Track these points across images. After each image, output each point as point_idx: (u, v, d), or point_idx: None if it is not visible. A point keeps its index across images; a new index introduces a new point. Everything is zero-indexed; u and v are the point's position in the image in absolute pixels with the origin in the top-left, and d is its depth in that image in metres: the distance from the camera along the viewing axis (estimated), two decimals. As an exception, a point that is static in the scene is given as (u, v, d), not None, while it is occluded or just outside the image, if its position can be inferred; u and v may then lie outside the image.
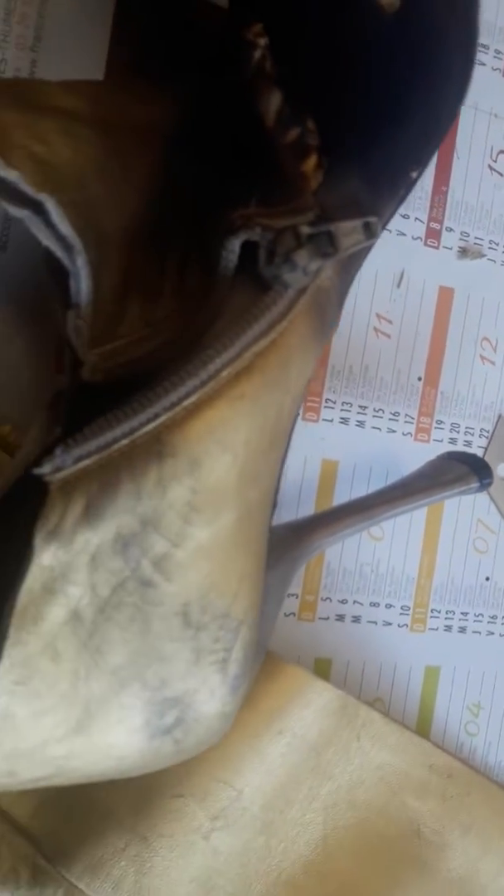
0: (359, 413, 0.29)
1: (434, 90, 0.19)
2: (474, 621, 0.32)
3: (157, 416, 0.17)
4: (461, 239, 0.30)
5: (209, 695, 0.19)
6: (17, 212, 0.17)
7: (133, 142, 0.19)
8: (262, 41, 0.19)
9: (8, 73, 0.24)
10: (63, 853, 0.23)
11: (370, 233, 0.19)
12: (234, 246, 0.18)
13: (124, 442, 0.17)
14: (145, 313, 0.20)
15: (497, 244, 0.31)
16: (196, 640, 0.19)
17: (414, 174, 0.21)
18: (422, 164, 0.21)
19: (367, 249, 0.20)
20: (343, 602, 0.29)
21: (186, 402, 0.17)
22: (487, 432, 0.31)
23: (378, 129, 0.19)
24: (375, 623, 0.30)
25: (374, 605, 0.30)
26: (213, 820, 0.24)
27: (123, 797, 0.23)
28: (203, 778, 0.24)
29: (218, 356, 0.18)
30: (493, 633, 0.32)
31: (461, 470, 0.27)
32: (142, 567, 0.18)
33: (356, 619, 0.30)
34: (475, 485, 0.26)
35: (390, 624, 0.30)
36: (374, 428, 0.30)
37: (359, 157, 0.19)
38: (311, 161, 0.19)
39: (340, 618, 0.29)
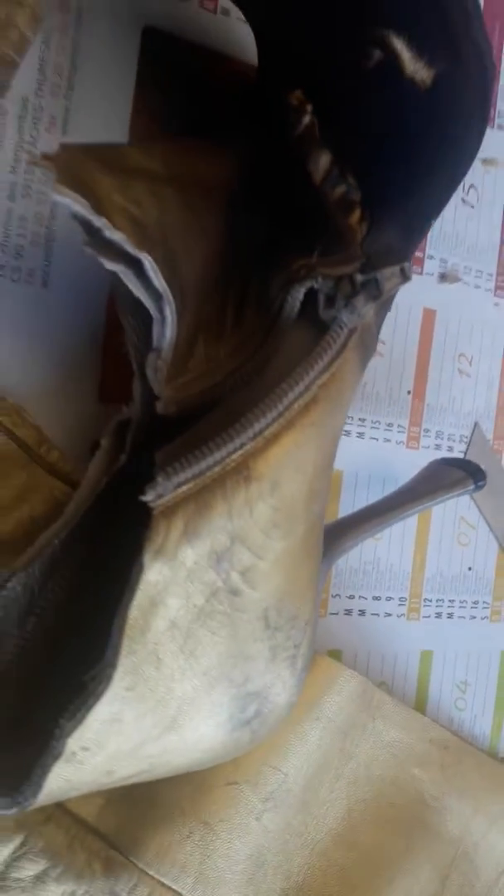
0: (359, 425, 0.32)
1: (456, 150, 0.22)
2: (459, 607, 0.35)
3: (242, 445, 0.20)
4: (440, 265, 0.34)
5: (282, 687, 0.22)
6: (112, 266, 0.19)
7: (201, 198, 0.21)
8: (309, 107, 0.22)
9: (44, 119, 0.26)
10: (132, 844, 0.25)
11: (405, 276, 0.22)
12: (299, 293, 0.21)
13: (216, 469, 0.19)
14: (209, 350, 0.22)
15: (470, 269, 0.35)
16: (273, 639, 0.21)
17: (433, 221, 0.24)
18: (440, 212, 0.24)
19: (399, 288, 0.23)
20: (350, 598, 0.32)
21: (266, 432, 0.20)
22: (466, 437, 0.35)
23: (411, 185, 0.22)
24: (378, 615, 0.33)
25: (377, 598, 0.33)
26: (264, 802, 0.26)
27: (183, 790, 0.26)
28: (254, 765, 0.26)
29: (291, 390, 0.20)
30: (475, 618, 0.36)
31: (458, 474, 0.30)
32: (231, 578, 0.20)
33: (361, 613, 0.33)
34: (472, 486, 0.30)
35: (390, 615, 0.34)
36: (371, 438, 0.33)
37: (396, 211, 0.22)
38: (356, 215, 0.22)
39: (349, 612, 0.32)
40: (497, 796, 0.35)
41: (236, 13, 0.29)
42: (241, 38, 0.29)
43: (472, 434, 0.35)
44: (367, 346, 0.22)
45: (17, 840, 0.24)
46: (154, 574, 0.19)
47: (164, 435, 0.24)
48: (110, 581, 0.24)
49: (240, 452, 0.20)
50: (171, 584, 0.19)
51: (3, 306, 0.25)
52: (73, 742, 0.19)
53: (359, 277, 0.21)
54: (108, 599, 0.24)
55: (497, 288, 0.35)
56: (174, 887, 0.25)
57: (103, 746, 0.19)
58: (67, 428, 0.27)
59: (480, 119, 0.22)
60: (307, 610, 0.22)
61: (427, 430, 0.34)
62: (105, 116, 0.27)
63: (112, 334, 0.27)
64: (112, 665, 0.19)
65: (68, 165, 0.18)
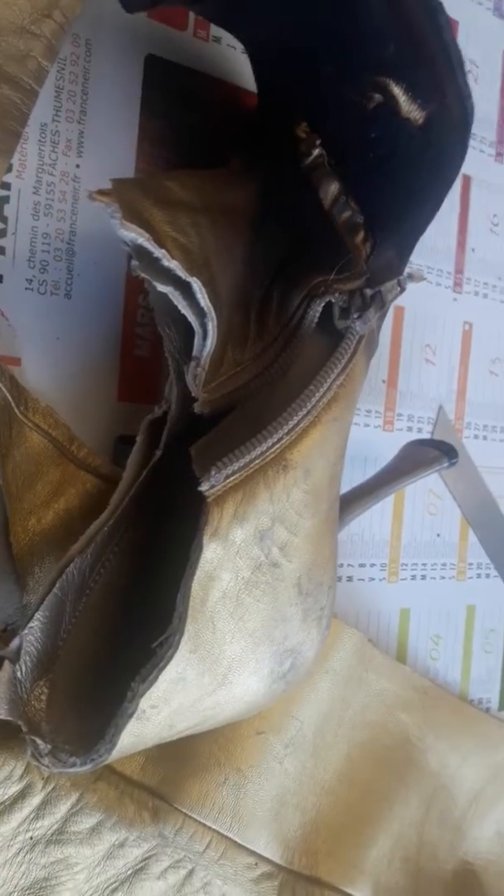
0: (342, 412, 0.36)
1: (443, 178, 0.26)
2: (431, 569, 0.40)
3: (280, 439, 0.23)
4: (408, 266, 0.38)
5: (311, 644, 0.25)
6: (164, 288, 0.22)
7: (227, 223, 0.24)
8: (318, 140, 0.25)
9: (61, 143, 0.28)
10: (175, 793, 0.28)
11: (402, 288, 0.26)
12: (319, 306, 0.24)
13: (258, 461, 0.23)
14: (236, 355, 0.25)
15: (432, 269, 0.39)
16: (305, 603, 0.25)
17: (420, 238, 0.27)
18: (425, 231, 0.28)
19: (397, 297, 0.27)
20: (340, 566, 0.36)
21: (298, 428, 0.23)
22: (433, 419, 0.39)
23: (406, 209, 0.26)
24: (363, 580, 0.37)
25: (362, 565, 0.37)
26: (285, 748, 0.30)
27: (217, 742, 0.29)
28: (277, 715, 0.30)
29: (317, 391, 0.24)
30: (444, 578, 0.40)
31: (434, 453, 0.34)
32: (272, 553, 0.23)
33: (349, 579, 0.37)
34: (446, 464, 0.34)
35: (373, 579, 0.38)
36: (353, 423, 0.36)
37: (393, 232, 0.25)
38: (361, 236, 0.25)
39: (338, 579, 0.36)
40: (467, 735, 0.40)
41: (227, 40, 0.31)
42: (232, 63, 0.31)
43: (437, 416, 0.39)
44: (372, 346, 0.26)
45: (73, 797, 0.27)
46: (210, 553, 0.22)
47: (189, 431, 0.27)
48: (157, 560, 0.27)
49: (277, 446, 0.23)
50: (224, 560, 0.22)
51: (32, 317, 0.27)
52: (145, 701, 0.22)
53: (368, 292, 0.24)
54: (157, 576, 0.27)
55: (455, 284, 0.40)
56: (214, 827, 0.28)
57: (169, 703, 0.23)
58: (90, 425, 0.29)
59: (461, 152, 0.26)
60: (330, 576, 0.26)
61: (400, 415, 0.38)
62: (115, 139, 0.29)
63: (128, 340, 0.30)
64: (180, 632, 0.22)
65: (127, 202, 0.21)
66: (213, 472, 0.22)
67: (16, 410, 0.26)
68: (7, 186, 0.27)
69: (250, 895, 0.29)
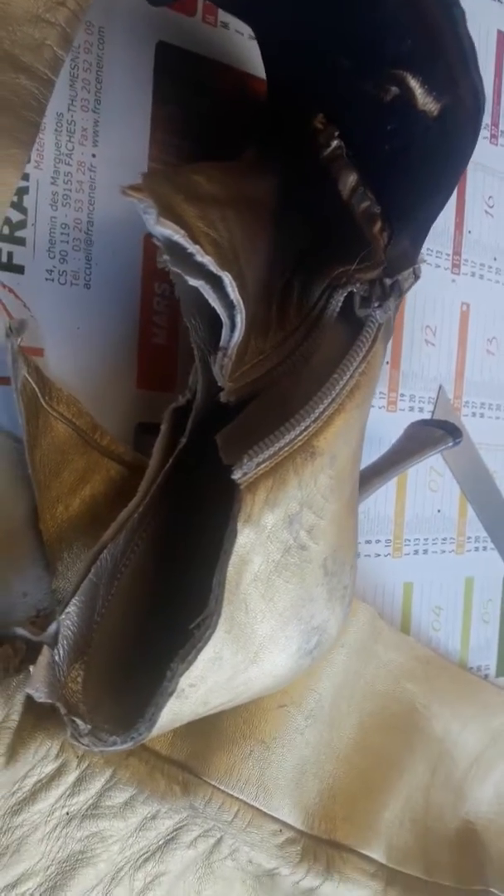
0: (348, 394, 0.37)
1: (455, 168, 0.26)
2: (432, 544, 0.41)
3: (307, 427, 0.24)
4: (408, 249, 0.38)
5: (335, 621, 0.27)
6: (195, 282, 0.22)
7: (251, 215, 0.24)
8: (336, 132, 0.26)
9: (77, 132, 0.28)
10: (203, 766, 0.29)
11: (417, 276, 0.26)
12: (341, 296, 0.25)
13: (287, 449, 0.23)
14: (259, 344, 0.26)
15: (431, 251, 0.39)
16: (330, 583, 0.26)
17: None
18: (436, 218, 0.28)
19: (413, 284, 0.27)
20: (347, 544, 0.37)
21: (324, 415, 0.24)
22: (433, 399, 0.40)
23: (420, 199, 0.26)
24: (369, 556, 0.38)
25: (368, 542, 0.38)
26: (306, 719, 0.31)
27: (242, 716, 0.30)
28: (298, 688, 0.31)
29: (341, 379, 0.24)
30: (445, 552, 0.42)
31: (438, 433, 0.35)
32: (300, 536, 0.24)
33: (356, 555, 0.38)
34: (451, 443, 0.35)
35: (379, 555, 0.39)
36: (359, 405, 0.37)
37: (409, 221, 0.26)
38: (378, 226, 0.26)
39: (346, 556, 0.37)
40: (468, 702, 0.42)
41: (235, 25, 0.31)
42: (240, 48, 0.32)
43: (437, 396, 0.40)
44: (388, 332, 0.27)
45: (107, 774, 0.28)
46: (243, 538, 0.23)
47: (209, 418, 0.27)
48: (180, 543, 0.27)
49: (305, 433, 0.24)
50: (256, 544, 0.23)
51: (53, 307, 0.28)
52: (184, 680, 0.23)
53: (387, 281, 0.25)
54: (181, 558, 0.28)
55: (453, 266, 0.40)
56: (240, 797, 0.29)
57: (205, 681, 0.24)
58: (111, 412, 0.30)
59: (473, 141, 0.26)
60: (352, 556, 0.27)
61: (402, 395, 0.39)
62: (129, 127, 0.29)
63: (146, 328, 0.30)
64: (217, 613, 0.23)
65: (160, 197, 0.21)
66: (245, 461, 0.23)
67: (42, 401, 0.27)
68: (26, 177, 0.27)
69: (275, 860, 0.30)
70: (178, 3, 0.30)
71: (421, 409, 0.40)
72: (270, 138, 0.28)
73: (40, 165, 0.27)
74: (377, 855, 0.34)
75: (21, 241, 0.27)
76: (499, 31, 0.42)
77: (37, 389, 0.26)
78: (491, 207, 0.42)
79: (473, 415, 0.42)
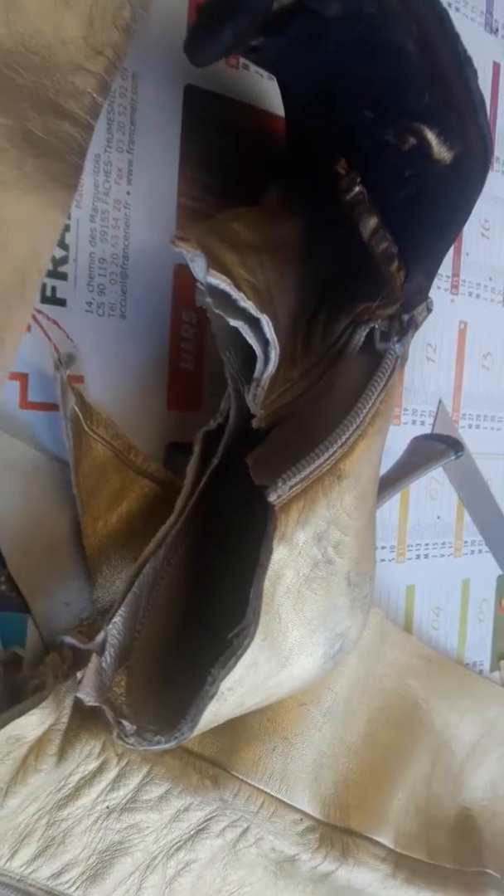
0: (356, 410, 0.39)
1: (466, 210, 0.29)
2: (433, 548, 0.44)
3: (334, 452, 0.26)
4: (411, 272, 0.41)
5: (356, 628, 0.29)
6: (235, 323, 0.24)
7: (282, 257, 0.27)
8: (358, 178, 0.28)
9: (113, 172, 0.30)
10: (231, 761, 0.31)
11: (429, 310, 0.29)
12: (363, 332, 0.27)
13: (316, 472, 0.26)
14: (286, 373, 0.28)
15: (432, 273, 0.42)
16: (352, 593, 0.28)
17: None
18: (446, 255, 0.31)
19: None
20: (356, 550, 0.40)
21: (349, 441, 0.26)
22: (433, 412, 0.43)
23: (435, 240, 0.29)
24: (376, 562, 0.41)
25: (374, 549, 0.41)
26: (323, 716, 0.34)
27: (265, 714, 0.32)
28: (317, 688, 0.34)
29: (364, 409, 0.27)
30: (444, 556, 0.44)
31: (441, 447, 0.38)
32: (327, 551, 0.27)
33: (374, 567, 0.40)
34: (453, 456, 0.37)
35: (384, 560, 0.41)
36: (366, 420, 0.40)
37: (423, 259, 0.28)
38: (395, 265, 0.28)
39: (355, 562, 0.40)
40: (465, 695, 0.44)
41: (255, 67, 0.33)
42: (260, 89, 0.34)
43: (437, 409, 0.43)
44: (405, 360, 0.29)
45: (144, 770, 0.30)
46: (278, 554, 0.25)
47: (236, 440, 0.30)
48: (210, 555, 0.30)
49: (332, 458, 0.26)
50: (289, 560, 0.26)
51: (92, 337, 0.30)
52: (223, 685, 0.25)
53: (405, 317, 0.27)
54: (211, 569, 0.30)
55: (452, 287, 0.43)
56: (265, 789, 0.32)
57: (242, 685, 0.26)
58: (143, 433, 0.32)
59: (481, 184, 0.29)
60: (371, 567, 0.29)
61: (405, 409, 0.41)
62: (160, 165, 0.31)
63: (175, 354, 0.32)
64: (255, 623, 0.25)
65: (207, 247, 0.23)
66: (279, 484, 0.25)
67: (84, 425, 0.29)
68: (68, 216, 0.29)
69: (296, 847, 0.32)
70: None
71: (423, 423, 0.42)
72: (292, 177, 0.31)
73: (80, 204, 0.29)
74: (386, 840, 0.36)
75: (63, 276, 0.29)
76: (494, 63, 0.44)
77: (80, 415, 0.28)
78: (487, 230, 0.44)
79: (470, 426, 0.45)
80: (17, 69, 0.27)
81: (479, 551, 0.46)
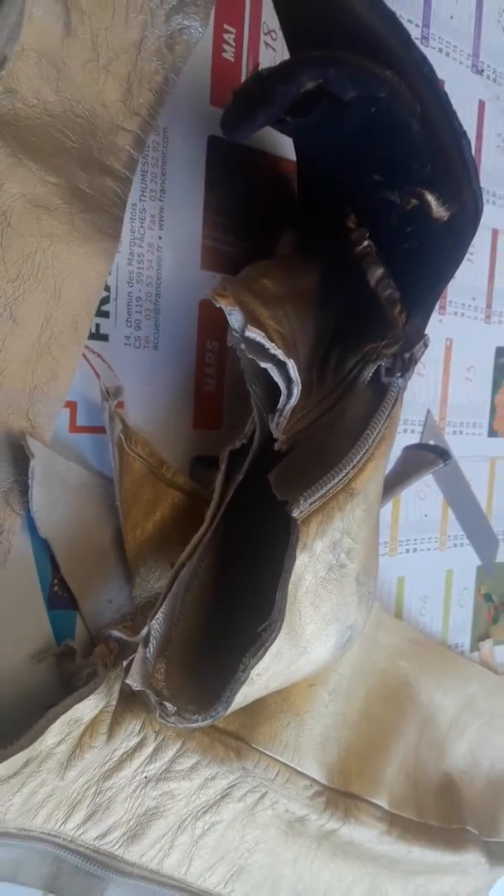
0: (355, 422, 0.43)
1: (458, 259, 0.33)
2: (420, 543, 0.48)
3: (347, 473, 0.30)
4: (404, 296, 0.45)
5: (362, 620, 0.34)
6: (265, 364, 0.28)
7: (303, 304, 0.31)
8: (367, 233, 0.32)
9: (147, 219, 0.34)
10: (252, 735, 0.36)
11: (426, 345, 0.33)
12: (371, 369, 0.31)
13: (332, 490, 0.30)
14: (303, 403, 0.32)
15: (422, 295, 0.46)
16: (360, 591, 0.33)
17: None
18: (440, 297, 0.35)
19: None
20: (353, 547, 0.44)
21: (360, 463, 0.31)
22: (422, 421, 0.47)
23: (432, 286, 0.33)
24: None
25: (369, 545, 0.45)
26: (330, 695, 0.39)
27: (280, 694, 0.37)
28: (325, 670, 0.38)
29: (372, 434, 0.31)
30: (430, 549, 0.49)
31: (430, 456, 0.42)
32: (340, 557, 0.31)
33: (377, 567, 0.45)
34: (442, 464, 0.42)
35: (378, 555, 0.46)
36: (363, 430, 0.44)
37: (421, 303, 0.33)
38: (398, 308, 0.32)
39: (352, 557, 0.44)
40: (448, 674, 0.49)
41: (269, 119, 0.37)
42: (275, 138, 0.37)
43: (426, 418, 0.48)
44: (405, 389, 0.33)
45: (178, 744, 0.34)
46: (299, 561, 0.30)
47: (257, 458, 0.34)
48: (232, 557, 0.34)
49: (346, 478, 0.30)
50: (308, 565, 0.30)
51: (130, 367, 0.34)
52: (254, 671, 0.30)
53: (406, 356, 0.31)
54: (247, 575, 0.34)
55: (440, 308, 0.47)
56: (281, 759, 0.37)
57: (268, 671, 0.30)
58: (172, 449, 0.36)
59: (472, 236, 0.33)
60: (375, 569, 0.34)
61: (398, 419, 0.46)
62: (186, 211, 0.35)
63: (199, 379, 0.36)
64: (281, 619, 0.29)
65: (243, 304, 0.27)
66: (301, 501, 0.29)
67: (125, 446, 0.33)
68: (110, 262, 0.33)
69: (306, 808, 0.37)
70: (226, 101, 0.36)
71: (413, 431, 0.47)
72: (304, 222, 0.35)
73: (119, 249, 0.33)
74: (382, 802, 0.41)
75: (106, 314, 0.33)
76: (479, 101, 0.48)
77: (122, 438, 0.32)
78: (472, 255, 0.48)
79: (455, 433, 0.49)
80: (66, 132, 0.31)
81: (462, 545, 0.51)
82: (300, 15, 0.30)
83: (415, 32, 0.43)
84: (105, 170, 0.32)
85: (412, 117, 0.29)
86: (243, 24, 0.36)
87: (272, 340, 0.27)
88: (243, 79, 0.36)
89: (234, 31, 0.36)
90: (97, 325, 0.32)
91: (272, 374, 0.29)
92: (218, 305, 0.27)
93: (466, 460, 0.50)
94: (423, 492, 0.48)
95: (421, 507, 0.48)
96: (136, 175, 0.33)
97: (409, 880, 0.45)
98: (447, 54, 0.45)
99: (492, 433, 0.52)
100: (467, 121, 0.48)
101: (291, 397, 0.30)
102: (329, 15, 0.29)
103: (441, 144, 0.30)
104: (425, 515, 0.48)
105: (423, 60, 0.29)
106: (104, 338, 0.33)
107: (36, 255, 0.29)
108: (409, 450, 0.43)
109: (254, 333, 0.26)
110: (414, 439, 0.47)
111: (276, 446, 0.32)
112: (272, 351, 0.27)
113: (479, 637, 0.53)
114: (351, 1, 0.28)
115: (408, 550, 0.48)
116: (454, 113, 0.30)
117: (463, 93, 0.47)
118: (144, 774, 0.34)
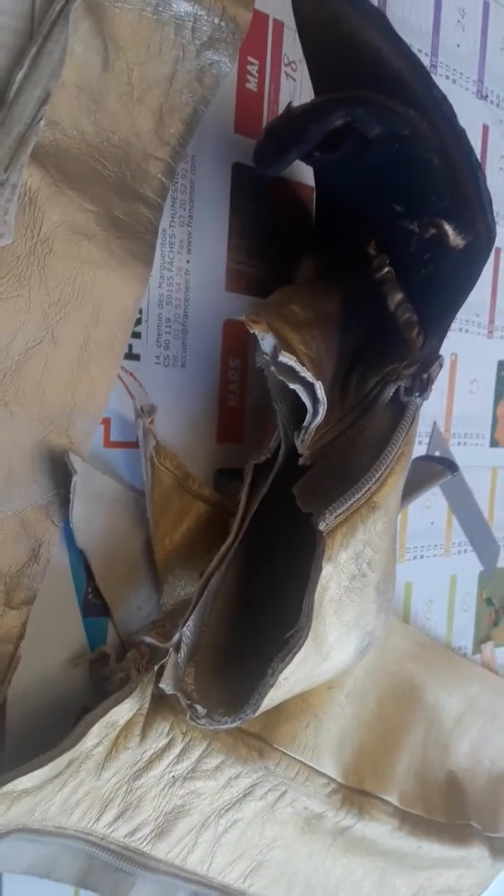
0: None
1: (472, 285, 0.35)
2: (427, 550, 0.50)
3: (370, 488, 0.32)
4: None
5: (381, 626, 0.35)
6: (293, 386, 0.30)
7: (329, 328, 0.32)
8: (387, 259, 0.34)
9: (176, 244, 0.35)
10: (273, 736, 0.38)
11: (441, 365, 0.35)
12: (392, 389, 0.33)
13: (355, 504, 0.32)
14: (327, 420, 0.34)
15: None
16: (379, 599, 0.34)
17: (450, 323, 0.37)
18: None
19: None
20: (364, 554, 0.46)
21: (381, 478, 0.32)
22: (429, 432, 0.49)
23: (448, 310, 0.35)
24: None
25: (379, 552, 0.47)
26: (346, 697, 0.40)
27: (300, 696, 0.39)
28: (342, 674, 0.40)
29: (393, 451, 0.33)
30: (435, 556, 0.51)
31: (438, 468, 0.44)
32: (362, 567, 0.33)
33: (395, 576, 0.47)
34: (449, 475, 0.44)
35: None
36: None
37: (437, 326, 0.35)
38: (415, 331, 0.34)
39: (363, 564, 0.46)
40: (452, 675, 0.51)
41: (289, 147, 0.39)
42: (296, 165, 0.39)
43: (432, 430, 0.49)
44: (421, 407, 0.35)
45: (204, 745, 0.36)
46: (325, 572, 0.31)
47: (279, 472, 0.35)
48: (267, 569, 0.36)
49: (368, 492, 0.32)
50: (333, 575, 0.32)
51: (160, 384, 0.35)
52: (281, 676, 0.31)
53: (424, 376, 0.33)
54: (267, 580, 0.36)
55: (446, 323, 0.49)
56: (301, 759, 0.38)
57: (294, 674, 0.32)
58: (198, 462, 0.37)
59: (485, 263, 0.35)
60: (393, 577, 0.36)
61: (406, 431, 0.48)
62: (213, 235, 0.36)
63: (223, 395, 0.38)
64: (307, 627, 0.31)
65: (276, 330, 0.29)
66: (327, 514, 0.31)
67: (156, 460, 0.34)
68: (142, 285, 0.34)
69: (324, 805, 0.39)
70: (249, 131, 0.37)
71: (420, 442, 0.49)
72: (324, 246, 0.36)
73: (151, 273, 0.34)
74: (393, 799, 0.43)
75: (138, 335, 0.34)
76: (483, 125, 0.50)
77: (154, 454, 0.34)
78: (476, 272, 0.50)
79: (459, 443, 0.51)
80: (103, 161, 0.32)
81: (465, 551, 0.53)
82: (326, 54, 0.32)
83: (424, 61, 0.45)
84: (139, 197, 0.33)
85: (433, 153, 0.31)
86: (266, 56, 0.38)
87: (302, 364, 0.29)
88: (265, 108, 0.38)
89: (257, 62, 0.37)
90: (130, 346, 0.34)
91: (300, 394, 0.31)
92: (252, 331, 0.29)
93: (469, 470, 0.52)
94: (430, 501, 0.50)
95: (427, 516, 0.50)
96: (167, 202, 0.35)
97: (416, 874, 0.47)
98: (454, 81, 0.47)
99: (493, 443, 0.54)
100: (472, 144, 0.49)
101: (317, 416, 0.31)
102: (355, 55, 0.31)
103: (459, 178, 0.31)
104: (431, 523, 0.50)
105: (443, 100, 0.30)
106: (136, 357, 0.34)
107: (76, 279, 0.31)
108: (418, 461, 0.45)
109: (286, 358, 0.28)
110: (421, 450, 0.49)
111: (301, 461, 0.33)
112: (302, 374, 0.29)
113: (481, 640, 0.55)
114: (377, 43, 0.30)
115: (415, 557, 0.49)
116: (471, 148, 0.31)
117: (468, 117, 0.49)
118: (172, 774, 0.36)
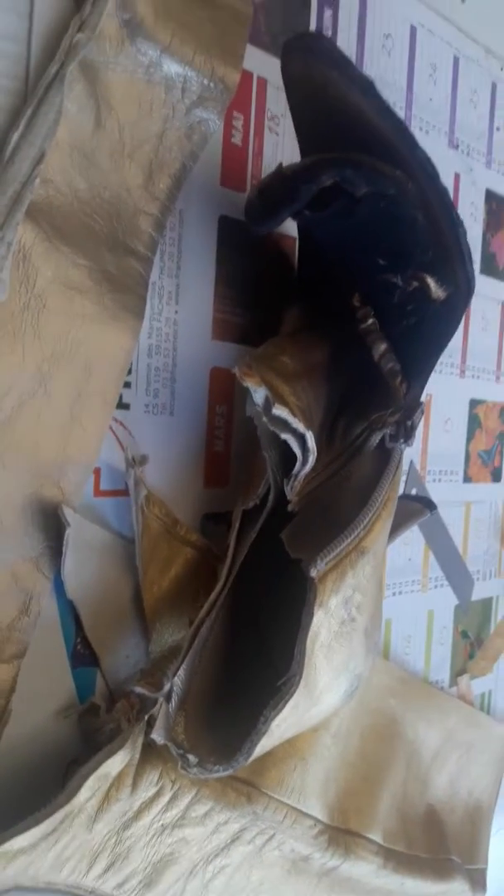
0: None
1: (452, 334, 0.36)
2: (405, 586, 0.51)
3: (358, 534, 0.33)
4: (390, 355, 0.48)
5: (368, 668, 0.36)
6: (284, 436, 0.31)
7: (317, 378, 0.33)
8: (371, 311, 0.35)
9: (164, 295, 0.36)
10: (261, 780, 0.38)
11: (422, 412, 0.36)
12: (377, 437, 0.34)
13: (345, 550, 0.32)
14: (314, 466, 0.35)
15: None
16: (367, 642, 0.35)
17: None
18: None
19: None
20: (345, 592, 0.47)
21: (369, 524, 0.33)
22: (406, 472, 0.50)
23: (430, 358, 0.36)
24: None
25: (359, 590, 0.48)
26: (331, 738, 0.41)
27: (287, 740, 0.39)
28: (328, 715, 0.40)
29: (379, 496, 0.33)
30: (413, 591, 0.52)
31: (418, 506, 0.45)
32: (351, 612, 0.33)
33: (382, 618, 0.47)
34: (428, 514, 0.45)
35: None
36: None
37: (419, 375, 0.36)
38: (399, 379, 0.35)
39: (344, 602, 0.47)
40: (430, 708, 0.52)
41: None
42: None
43: (409, 469, 0.51)
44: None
45: (193, 791, 0.36)
46: (316, 618, 0.32)
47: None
48: (243, 612, 0.36)
49: (357, 538, 0.33)
50: (323, 621, 0.32)
51: (149, 432, 0.35)
52: (273, 723, 0.31)
53: (408, 423, 0.34)
54: (252, 624, 0.36)
55: (422, 364, 0.50)
56: (288, 802, 0.38)
57: (286, 721, 0.32)
58: (185, 507, 0.37)
59: (464, 312, 0.36)
60: (380, 619, 0.36)
61: (385, 470, 0.49)
62: (200, 286, 0.37)
63: (210, 440, 0.38)
64: (299, 674, 0.31)
65: (268, 383, 0.30)
66: (317, 561, 0.32)
67: (145, 508, 0.34)
68: (132, 335, 0.34)
69: (311, 847, 0.39)
70: (235, 184, 0.38)
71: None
72: (306, 298, 0.37)
73: (142, 325, 0.35)
74: (377, 837, 0.44)
75: (128, 385, 0.35)
76: (455, 173, 0.52)
77: (143, 502, 0.34)
78: (449, 315, 0.52)
79: (434, 480, 0.52)
80: (94, 216, 0.33)
81: (441, 585, 0.54)
82: (314, 114, 0.33)
83: (400, 114, 0.47)
84: (130, 251, 0.34)
85: (417, 210, 0.32)
86: (250, 110, 0.39)
87: (294, 416, 0.30)
88: (249, 161, 0.39)
89: (241, 117, 0.38)
90: (120, 395, 0.34)
91: (291, 445, 0.31)
92: (245, 384, 0.30)
93: (444, 505, 0.53)
94: (408, 537, 0.51)
95: (405, 552, 0.51)
96: (156, 254, 0.35)
97: (400, 911, 0.47)
98: (426, 132, 0.49)
99: (466, 479, 0.55)
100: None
101: (307, 464, 0.32)
102: (342, 117, 0.32)
103: (441, 233, 0.33)
104: (409, 559, 0.51)
105: (427, 160, 0.32)
106: (126, 406, 0.35)
107: (69, 334, 0.31)
108: (401, 500, 0.46)
109: (280, 411, 0.29)
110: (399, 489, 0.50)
111: (290, 508, 0.34)
112: (294, 425, 0.30)
113: (457, 672, 0.56)
114: (364, 106, 0.31)
115: (394, 594, 0.50)
116: (452, 205, 0.33)
117: (441, 166, 0.50)
118: (161, 822, 0.36)
